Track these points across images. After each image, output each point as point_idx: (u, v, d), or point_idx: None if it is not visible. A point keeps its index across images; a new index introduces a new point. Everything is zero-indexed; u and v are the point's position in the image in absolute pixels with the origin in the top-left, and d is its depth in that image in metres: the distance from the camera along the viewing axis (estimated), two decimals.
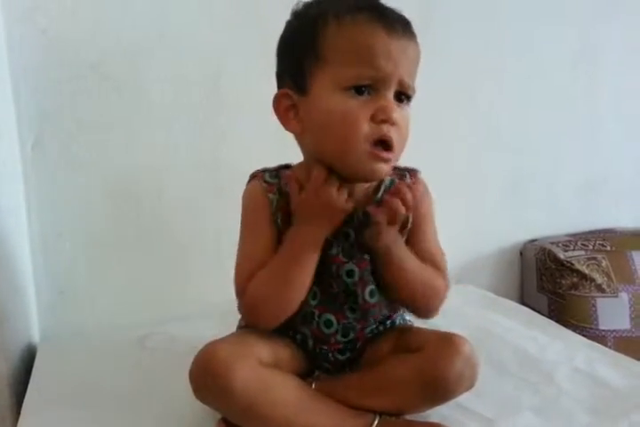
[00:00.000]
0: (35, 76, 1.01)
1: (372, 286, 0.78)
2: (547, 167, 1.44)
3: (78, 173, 1.07)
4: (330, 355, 0.80)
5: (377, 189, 0.78)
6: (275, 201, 0.76)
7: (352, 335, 0.79)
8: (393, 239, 0.74)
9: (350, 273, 0.76)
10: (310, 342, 0.79)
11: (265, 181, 0.77)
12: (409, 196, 0.69)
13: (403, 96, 0.71)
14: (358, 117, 0.68)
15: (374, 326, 0.81)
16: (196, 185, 1.14)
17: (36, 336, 1.08)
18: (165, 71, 1.08)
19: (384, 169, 0.71)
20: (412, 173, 0.81)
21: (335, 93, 0.69)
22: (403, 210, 0.69)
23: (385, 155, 0.69)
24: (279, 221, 0.76)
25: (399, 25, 0.70)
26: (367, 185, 0.77)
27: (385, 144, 0.69)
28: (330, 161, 0.72)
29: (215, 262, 1.13)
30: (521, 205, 1.42)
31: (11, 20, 0.97)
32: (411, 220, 0.78)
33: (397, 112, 0.69)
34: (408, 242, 0.78)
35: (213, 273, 1.12)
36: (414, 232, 0.79)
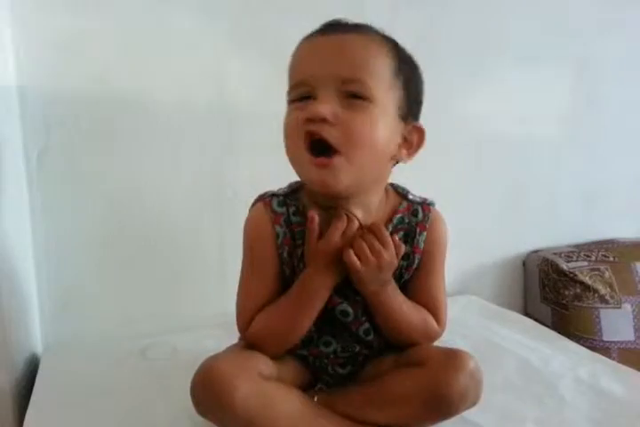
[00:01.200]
0: (41, 87, 1.02)
1: (366, 326, 0.77)
2: (549, 178, 1.44)
3: (83, 185, 1.07)
4: (330, 368, 0.79)
5: (388, 221, 0.76)
6: (281, 234, 0.74)
7: (352, 351, 0.79)
8: (380, 284, 0.73)
9: (344, 313, 0.76)
10: (310, 358, 0.79)
11: (272, 211, 0.75)
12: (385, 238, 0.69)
13: (356, 97, 0.66)
14: (292, 120, 0.68)
15: (377, 343, 0.80)
16: (200, 198, 1.14)
17: (38, 347, 1.08)
18: (170, 84, 1.09)
19: (329, 177, 0.66)
20: (425, 206, 0.78)
21: (287, 109, 0.71)
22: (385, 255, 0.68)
23: (319, 160, 0.66)
24: (285, 254, 0.74)
25: (341, 26, 0.69)
26: (378, 217, 0.75)
27: (320, 147, 0.66)
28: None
29: (217, 275, 1.14)
30: (523, 215, 1.42)
31: (18, 31, 0.99)
32: (417, 261, 0.77)
33: (332, 110, 0.65)
34: (413, 278, 0.78)
35: (215, 285, 1.14)
36: (422, 270, 0.78)
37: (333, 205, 0.73)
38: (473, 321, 1.16)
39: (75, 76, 1.03)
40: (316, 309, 0.73)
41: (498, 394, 0.85)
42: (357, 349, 0.78)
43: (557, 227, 1.47)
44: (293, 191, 0.77)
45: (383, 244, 0.69)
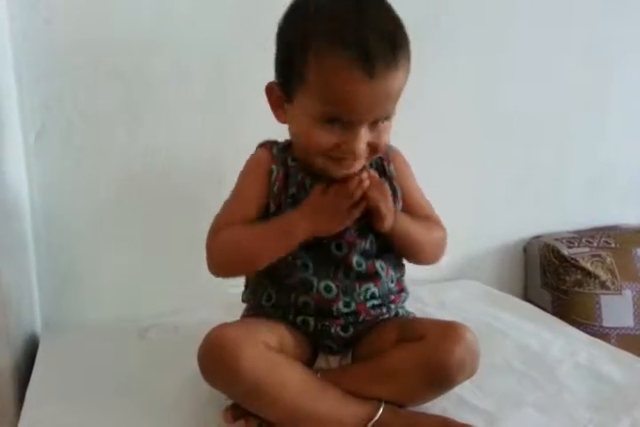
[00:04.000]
0: (38, 66, 1.01)
1: (357, 257, 0.80)
2: (552, 163, 1.43)
3: (81, 164, 1.07)
4: (332, 331, 0.79)
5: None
6: (275, 171, 0.79)
7: (354, 306, 0.79)
8: (393, 215, 0.78)
9: (339, 247, 0.79)
10: (312, 322, 0.79)
11: (272, 154, 0.81)
12: (364, 175, 0.74)
13: (382, 120, 0.73)
14: (322, 143, 0.72)
15: (377, 303, 0.81)
16: (200, 178, 1.13)
17: (38, 326, 1.08)
18: (169, 64, 1.08)
19: (346, 168, 0.74)
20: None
21: (309, 119, 0.72)
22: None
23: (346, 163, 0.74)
24: (275, 189, 0.79)
25: (382, 61, 0.68)
26: None
27: None
28: (302, 154, 0.78)
29: None
30: (525, 201, 1.42)
31: (14, 10, 0.97)
32: (398, 188, 0.83)
33: (367, 140, 0.72)
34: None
35: None
36: (405, 194, 0.84)
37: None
38: (473, 306, 1.16)
39: (71, 53, 1.02)
40: (284, 247, 0.76)
41: (497, 378, 0.86)
42: (357, 294, 0.79)
43: (560, 213, 1.46)
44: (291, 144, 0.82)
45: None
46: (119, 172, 1.09)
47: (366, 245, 0.80)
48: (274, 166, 0.79)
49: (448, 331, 0.73)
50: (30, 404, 0.80)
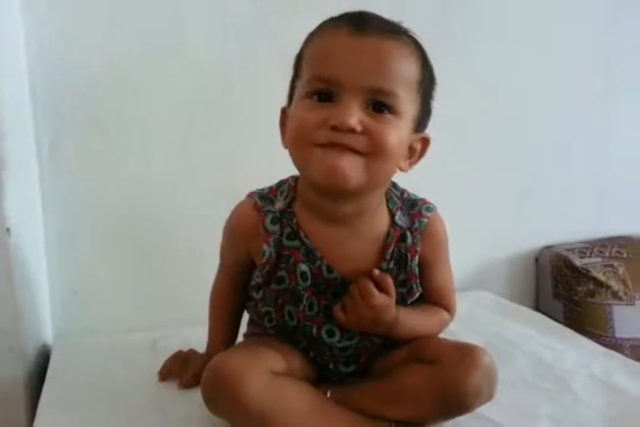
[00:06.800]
0: (52, 77, 1.02)
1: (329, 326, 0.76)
2: (562, 173, 1.42)
3: (94, 174, 1.07)
4: (331, 366, 0.78)
5: (386, 245, 0.74)
6: (267, 254, 0.73)
7: (351, 351, 0.78)
8: (388, 323, 0.73)
9: (330, 332, 0.76)
10: (311, 353, 0.78)
11: (264, 228, 0.73)
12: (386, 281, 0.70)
13: (382, 106, 0.65)
14: (307, 121, 0.65)
15: (378, 343, 0.79)
16: (211, 190, 1.14)
17: (50, 338, 1.08)
18: (181, 76, 1.09)
19: (331, 160, 0.64)
20: (414, 230, 0.75)
21: (300, 101, 0.68)
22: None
23: (337, 144, 0.63)
24: (264, 272, 0.74)
25: (374, 26, 0.65)
26: (375, 237, 0.74)
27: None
28: (301, 175, 0.72)
29: None
30: (536, 211, 1.41)
31: (29, 21, 0.99)
32: (415, 286, 0.76)
33: (360, 119, 0.63)
34: (421, 278, 0.77)
35: None
36: (428, 269, 0.77)
37: (331, 210, 0.72)
38: (485, 317, 1.15)
39: (85, 63, 1.03)
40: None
41: (510, 390, 0.84)
42: (358, 340, 0.77)
43: (571, 223, 1.45)
44: (289, 205, 0.74)
45: (386, 291, 0.71)
46: (132, 181, 1.10)
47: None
48: (265, 247, 0.72)
49: (464, 355, 0.69)
50: (42, 414, 0.80)
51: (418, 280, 0.76)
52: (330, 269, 0.73)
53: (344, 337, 0.76)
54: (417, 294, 0.77)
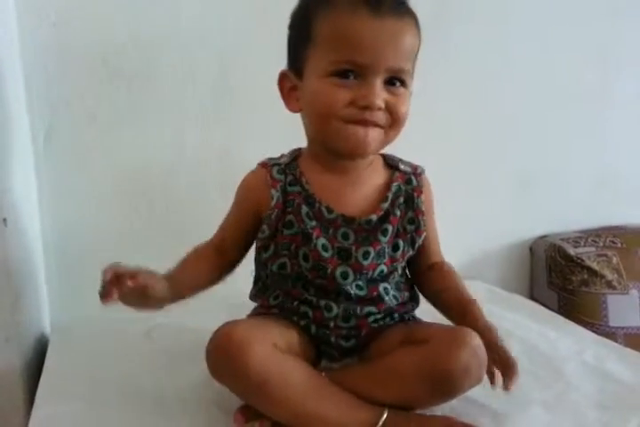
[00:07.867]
0: (46, 69, 1.02)
1: (359, 282, 0.78)
2: (558, 163, 1.43)
3: (90, 166, 1.08)
4: (332, 339, 0.79)
5: (386, 189, 0.81)
6: (275, 198, 0.78)
7: (353, 321, 0.79)
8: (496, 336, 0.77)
9: (344, 274, 0.78)
10: (313, 328, 0.79)
11: (271, 177, 0.79)
12: None
13: (396, 81, 0.72)
14: (337, 100, 0.71)
15: (379, 317, 0.80)
16: (206, 180, 1.14)
17: (47, 327, 1.09)
18: (176, 66, 1.09)
19: (362, 134, 0.72)
20: (418, 175, 0.83)
21: (321, 77, 0.72)
22: None
23: (368, 121, 0.71)
24: (273, 216, 0.78)
25: (388, 5, 0.70)
26: (374, 185, 0.80)
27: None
28: (318, 140, 0.78)
29: None
30: (531, 200, 1.42)
31: (22, 13, 0.98)
32: (422, 222, 0.81)
33: (383, 97, 0.71)
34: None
35: None
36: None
37: (337, 164, 0.79)
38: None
39: (80, 55, 1.03)
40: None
41: None
42: (358, 310, 0.78)
43: (566, 212, 1.46)
44: (293, 159, 0.81)
45: None
46: (126, 175, 1.10)
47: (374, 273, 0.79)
48: (273, 191, 0.78)
49: (453, 335, 0.71)
50: (40, 404, 0.80)
51: (424, 216, 0.81)
52: (329, 210, 0.78)
53: (357, 279, 0.78)
54: (423, 234, 0.82)
